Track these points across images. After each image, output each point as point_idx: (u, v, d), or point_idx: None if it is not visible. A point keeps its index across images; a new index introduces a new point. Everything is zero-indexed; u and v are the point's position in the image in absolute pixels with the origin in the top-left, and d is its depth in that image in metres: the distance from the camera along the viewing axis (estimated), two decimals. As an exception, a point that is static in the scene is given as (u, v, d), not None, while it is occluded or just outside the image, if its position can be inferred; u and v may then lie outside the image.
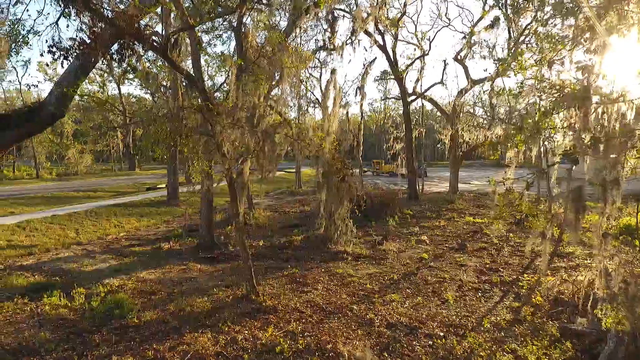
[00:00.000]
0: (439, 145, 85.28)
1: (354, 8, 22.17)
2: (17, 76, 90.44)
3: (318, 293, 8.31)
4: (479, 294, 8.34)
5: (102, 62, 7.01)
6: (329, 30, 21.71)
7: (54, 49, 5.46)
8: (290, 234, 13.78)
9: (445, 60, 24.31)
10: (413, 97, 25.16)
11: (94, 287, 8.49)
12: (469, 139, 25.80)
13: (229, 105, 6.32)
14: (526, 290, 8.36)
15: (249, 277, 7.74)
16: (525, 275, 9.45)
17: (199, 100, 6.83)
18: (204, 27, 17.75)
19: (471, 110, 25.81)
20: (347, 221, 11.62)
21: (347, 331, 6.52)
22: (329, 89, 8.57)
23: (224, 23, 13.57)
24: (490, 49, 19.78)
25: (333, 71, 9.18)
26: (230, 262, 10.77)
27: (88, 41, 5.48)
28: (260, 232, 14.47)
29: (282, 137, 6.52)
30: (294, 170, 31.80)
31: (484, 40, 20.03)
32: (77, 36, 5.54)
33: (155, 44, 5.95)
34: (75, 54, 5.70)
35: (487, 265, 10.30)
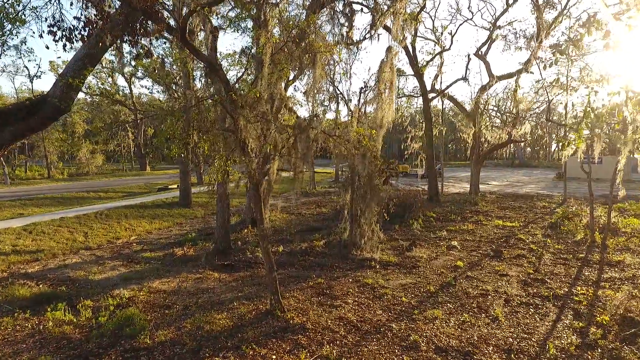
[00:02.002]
0: (450, 145, 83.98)
1: (372, 2, 21.30)
2: (29, 75, 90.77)
3: (349, 308, 7.44)
4: (531, 309, 7.39)
5: (111, 50, 6.20)
6: (347, 24, 20.85)
7: (55, 29, 4.68)
8: (310, 238, 12.93)
9: (468, 55, 23.09)
10: (433, 95, 24.14)
11: (103, 299, 7.73)
12: (491, 137, 24.75)
13: (253, 96, 5.49)
14: (586, 307, 7.39)
15: (274, 290, 6.90)
16: (578, 287, 8.47)
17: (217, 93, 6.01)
18: (219, 22, 16.99)
19: (494, 108, 24.68)
20: (373, 225, 10.74)
21: (390, 357, 5.64)
22: (384, 71, 7.55)
23: (243, 13, 12.71)
24: (528, 39, 18.61)
25: (389, 49, 8.09)
26: (249, 269, 9.97)
27: (94, 19, 4.69)
28: (278, 236, 13.64)
29: (317, 133, 5.66)
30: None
31: (521, 30, 18.83)
32: (82, 15, 4.76)
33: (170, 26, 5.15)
34: (80, 35, 4.91)
35: (531, 275, 9.33)
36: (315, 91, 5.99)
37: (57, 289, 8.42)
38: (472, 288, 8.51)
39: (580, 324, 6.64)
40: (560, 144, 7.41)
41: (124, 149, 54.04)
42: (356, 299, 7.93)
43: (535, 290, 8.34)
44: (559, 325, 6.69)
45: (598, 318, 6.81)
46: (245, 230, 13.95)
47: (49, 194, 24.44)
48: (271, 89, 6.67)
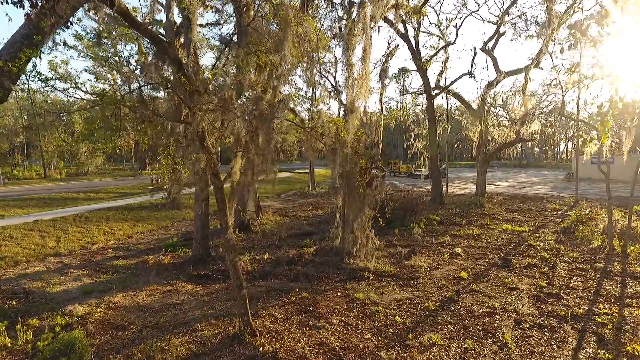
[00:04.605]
0: (456, 145, 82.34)
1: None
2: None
3: (333, 329, 6.39)
4: (546, 334, 6.29)
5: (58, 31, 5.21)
6: (345, 16, 19.80)
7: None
8: (301, 243, 11.91)
9: (474, 49, 21.90)
10: (437, 91, 23.00)
11: (51, 318, 6.75)
12: (498, 136, 23.59)
13: (205, 79, 4.49)
14: (612, 331, 6.28)
15: (243, 310, 5.87)
16: (599, 305, 7.35)
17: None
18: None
19: (502, 105, 23.49)
20: (367, 231, 9.68)
21: (375, 400, 4.59)
22: (355, 34, 6.19)
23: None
24: (540, 25, 17.33)
25: (362, 4, 6.74)
26: (226, 281, 8.93)
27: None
28: (267, 241, 12.64)
29: (285, 124, 4.65)
30: (307, 170, 29.91)
31: (532, 17, 17.51)
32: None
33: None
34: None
35: (545, 289, 8.22)
36: (284, 76, 4.91)
37: (6, 304, 7.45)
38: (477, 305, 7.43)
39: (607, 355, 5.54)
40: (582, 140, 6.28)
41: (123, 149, 53.27)
42: (343, 318, 6.88)
43: (550, 309, 7.24)
44: (580, 356, 5.60)
45: (627, 347, 5.71)
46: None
47: (37, 195, 23.62)
48: (243, 75, 5.64)
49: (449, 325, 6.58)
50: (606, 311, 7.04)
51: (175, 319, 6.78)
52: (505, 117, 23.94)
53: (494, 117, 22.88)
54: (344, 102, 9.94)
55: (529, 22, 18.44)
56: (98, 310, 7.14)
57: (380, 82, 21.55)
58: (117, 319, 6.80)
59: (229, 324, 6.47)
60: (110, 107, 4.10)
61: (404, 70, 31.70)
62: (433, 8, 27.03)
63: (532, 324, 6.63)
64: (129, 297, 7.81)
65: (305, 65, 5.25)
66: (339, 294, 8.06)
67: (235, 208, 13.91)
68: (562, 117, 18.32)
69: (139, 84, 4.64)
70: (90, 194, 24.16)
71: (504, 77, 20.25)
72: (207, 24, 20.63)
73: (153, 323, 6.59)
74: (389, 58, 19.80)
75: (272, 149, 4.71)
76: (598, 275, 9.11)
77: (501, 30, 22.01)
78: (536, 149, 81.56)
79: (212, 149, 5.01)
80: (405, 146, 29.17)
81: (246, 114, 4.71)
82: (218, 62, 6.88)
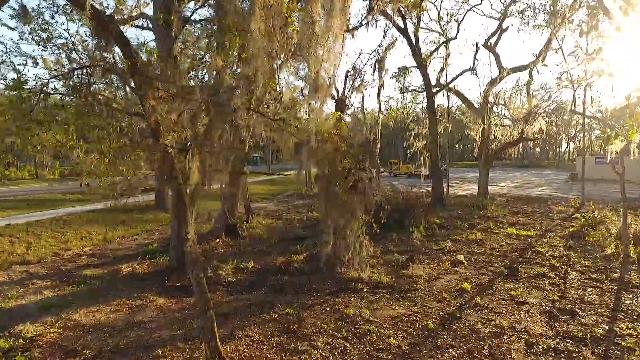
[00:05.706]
0: (457, 145, 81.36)
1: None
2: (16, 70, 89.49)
3: (317, 355, 5.54)
4: (564, 360, 5.44)
5: None
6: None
7: None
8: (292, 250, 11.06)
9: (476, 44, 20.97)
10: (438, 89, 22.13)
11: (-5, 340, 5.89)
12: (501, 135, 22.76)
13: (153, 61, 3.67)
14: (639, 358, 5.42)
15: (210, 336, 5.01)
16: (621, 324, 6.48)
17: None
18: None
19: (504, 103, 22.62)
20: (361, 237, 8.81)
21: None
22: None
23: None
24: (549, 14, 16.39)
25: None
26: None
27: None
28: (256, 247, 11.77)
29: (249, 115, 3.81)
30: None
31: (541, 4, 16.63)
32: None
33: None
34: None
35: (557, 304, 7.37)
36: (259, 60, 4.01)
37: (-48, 322, 6.60)
38: (482, 323, 6.58)
39: (639, 391, 4.69)
40: (606, 136, 5.44)
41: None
42: (330, 339, 6.03)
43: (565, 328, 6.38)
44: (607, 391, 4.75)
45: (662, 379, 4.86)
46: (217, 241, 12.08)
47: (25, 196, 22.81)
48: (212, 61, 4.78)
49: (450, 350, 5.72)
50: (630, 332, 6.19)
51: (139, 341, 5.93)
52: (508, 117, 23.06)
53: (497, 116, 22.01)
54: (335, 96, 9.05)
55: (537, 11, 17.50)
56: (52, 330, 6.29)
57: (377, 74, 20.68)
58: (72, 340, 5.95)
59: (198, 348, 5.62)
60: (30, 97, 3.29)
61: (403, 69, 30.85)
62: (433, 4, 26.04)
63: (545, 347, 5.78)
64: (90, 314, 6.96)
65: (274, 40, 4.38)
66: (328, 309, 7.22)
67: (220, 211, 13.04)
68: (565, 117, 17.44)
69: (79, 67, 3.83)
70: (79, 195, 23.32)
71: (507, 74, 19.39)
72: (201, 20, 19.79)
73: (112, 346, 5.74)
74: (387, 50, 18.88)
75: (224, 144, 3.85)
76: (615, 287, 8.26)
77: (504, 25, 21.14)
78: (538, 149, 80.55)
79: (169, 144, 4.17)
80: (405, 146, 28.28)
81: (208, 103, 3.89)
82: (175, 45, 6.07)
